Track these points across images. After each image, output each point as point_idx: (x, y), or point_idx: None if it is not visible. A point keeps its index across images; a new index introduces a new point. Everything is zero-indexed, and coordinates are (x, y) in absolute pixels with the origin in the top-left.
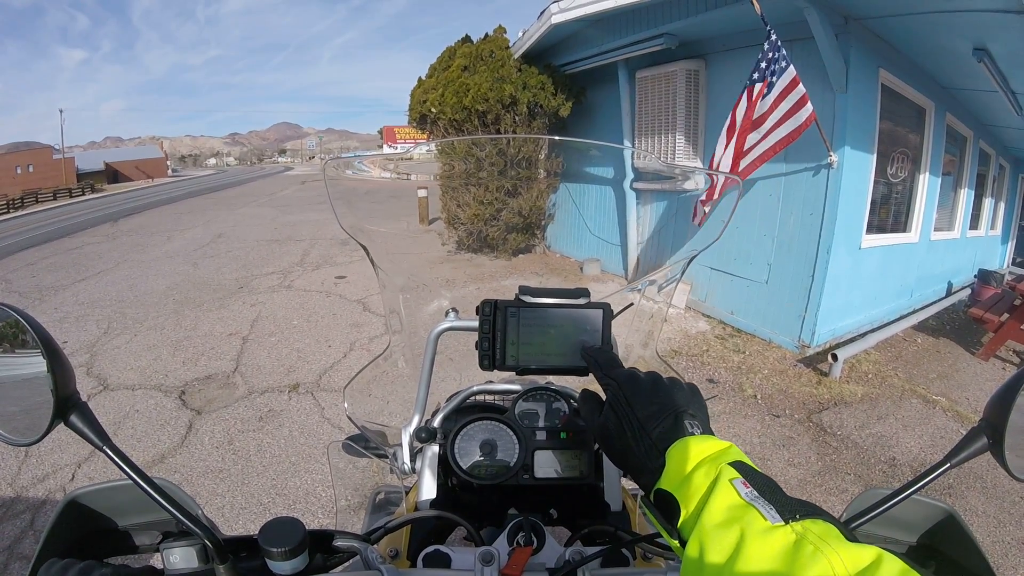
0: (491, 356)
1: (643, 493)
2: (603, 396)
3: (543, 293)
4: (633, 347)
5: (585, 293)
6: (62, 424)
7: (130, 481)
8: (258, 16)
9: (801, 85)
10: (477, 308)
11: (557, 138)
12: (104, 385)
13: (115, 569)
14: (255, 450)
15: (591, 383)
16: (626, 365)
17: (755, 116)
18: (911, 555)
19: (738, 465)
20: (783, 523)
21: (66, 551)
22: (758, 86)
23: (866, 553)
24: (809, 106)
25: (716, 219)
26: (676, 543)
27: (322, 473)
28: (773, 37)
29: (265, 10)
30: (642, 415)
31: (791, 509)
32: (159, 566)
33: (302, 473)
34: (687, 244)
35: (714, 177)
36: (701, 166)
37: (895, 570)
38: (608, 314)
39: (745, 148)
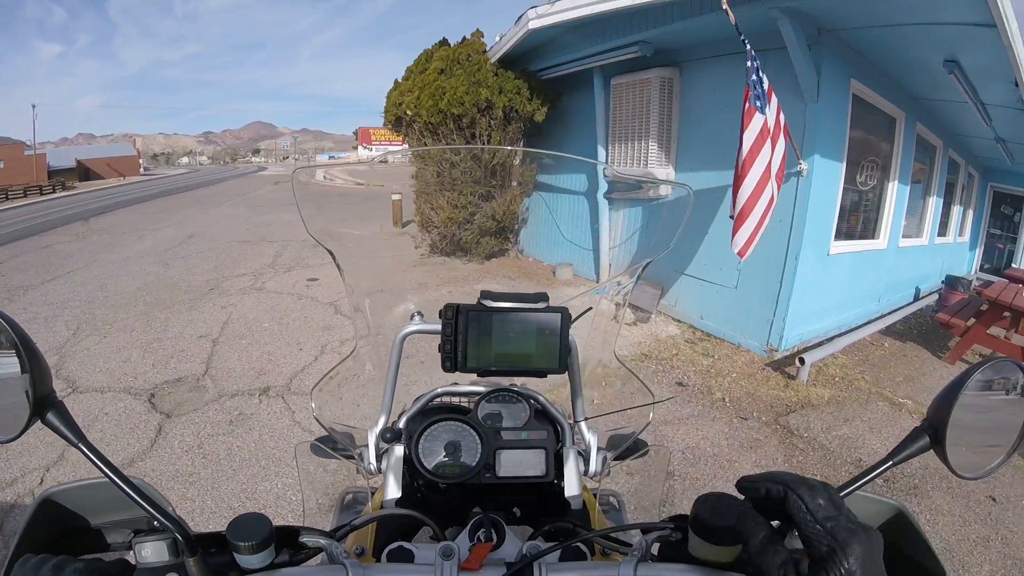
0: (453, 358)
1: None
2: (770, 522)
3: (504, 297)
4: (592, 349)
5: (544, 297)
6: (39, 422)
7: (103, 480)
8: (238, 13)
9: (775, 96)
10: (440, 312)
11: (531, 150)
12: (73, 387)
13: (88, 563)
14: (225, 454)
15: (554, 384)
16: (585, 367)
17: (761, 130)
18: None
19: None
20: None
21: (40, 548)
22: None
23: None
24: (782, 116)
25: (668, 228)
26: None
27: (292, 477)
28: (748, 47)
29: (246, 7)
30: None
31: None
32: (132, 562)
33: (272, 477)
34: (638, 252)
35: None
36: (673, 171)
37: None
38: (566, 318)
39: (770, 164)
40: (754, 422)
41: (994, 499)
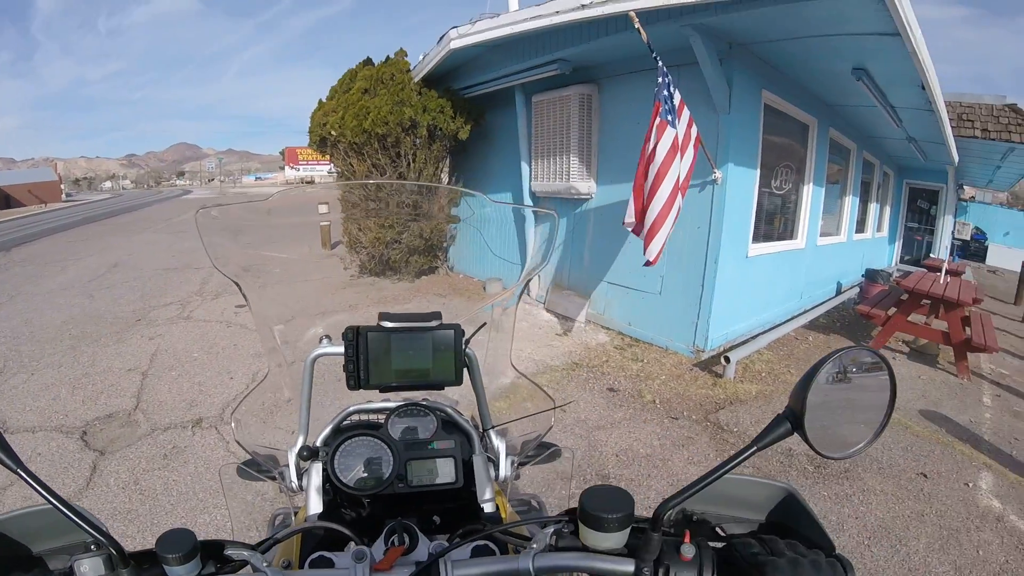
0: (356, 376)
1: None
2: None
3: (401, 318)
4: (493, 361)
5: (438, 316)
6: None
7: (44, 507)
8: (162, 29)
9: (687, 109)
10: (343, 334)
11: (458, 189)
12: (3, 427)
13: None
14: (162, 489)
15: (465, 396)
16: (485, 378)
17: (671, 144)
18: (760, 531)
19: None
20: None
21: None
22: (663, 116)
23: None
24: (695, 128)
25: (540, 247)
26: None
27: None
28: (659, 63)
29: (170, 23)
30: None
31: None
32: None
33: (211, 509)
34: (525, 267)
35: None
36: (595, 184)
37: None
38: (459, 334)
39: (677, 177)
40: (685, 421)
41: (925, 475)
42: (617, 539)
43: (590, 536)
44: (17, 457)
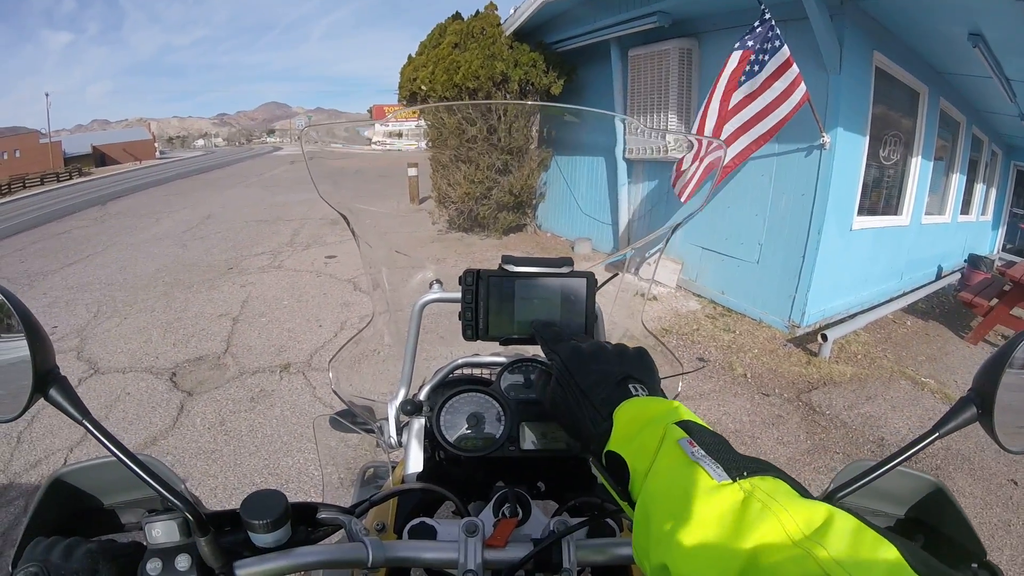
0: (474, 326)
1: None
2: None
3: (526, 262)
4: (618, 319)
5: (569, 262)
6: (41, 399)
7: (114, 459)
8: None
9: (795, 66)
10: (460, 278)
11: (544, 104)
12: (95, 369)
13: (100, 545)
14: (247, 430)
15: None
16: (612, 338)
17: (745, 93)
18: (898, 528)
19: (685, 424)
20: (730, 481)
21: (51, 530)
22: (743, 55)
23: (818, 510)
24: (803, 87)
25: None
26: (627, 505)
27: (314, 452)
28: (767, 16)
29: None
30: (584, 384)
31: (739, 467)
32: (144, 542)
33: (294, 453)
34: (677, 213)
35: (699, 142)
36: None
37: (848, 527)
38: (592, 283)
39: (737, 128)
40: (776, 398)
41: (1015, 483)
42: None
43: None
44: (83, 406)
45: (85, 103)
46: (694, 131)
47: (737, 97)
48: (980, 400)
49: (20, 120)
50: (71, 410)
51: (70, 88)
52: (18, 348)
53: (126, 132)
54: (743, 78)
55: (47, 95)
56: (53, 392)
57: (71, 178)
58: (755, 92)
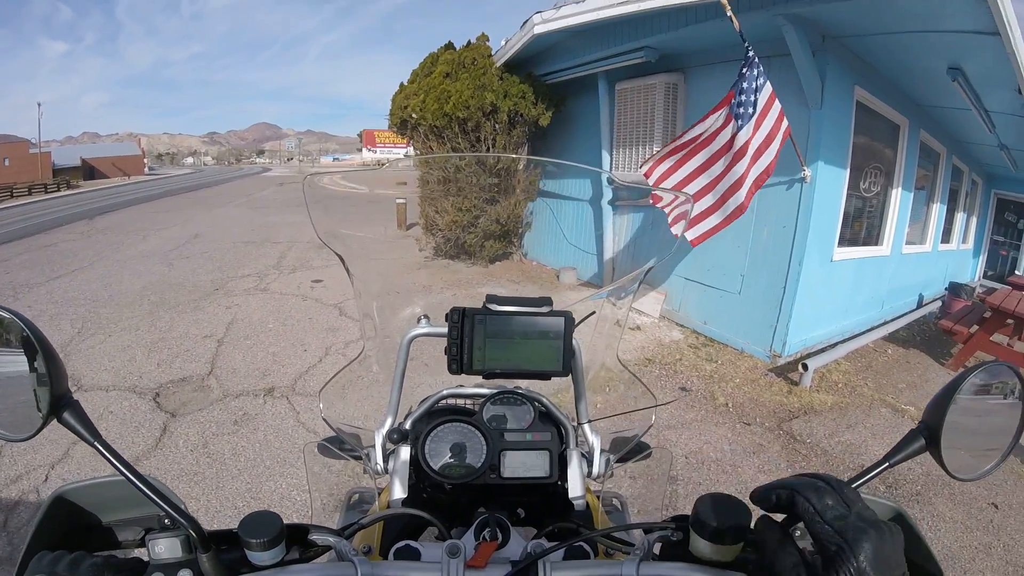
0: (459, 360)
1: None
2: (786, 530)
3: (508, 301)
4: (596, 353)
5: (548, 302)
6: (55, 421)
7: (116, 478)
8: (244, 13)
9: (777, 102)
10: (446, 315)
11: (536, 159)
12: (78, 385)
13: (104, 560)
14: (230, 453)
15: (558, 387)
16: (588, 370)
17: (739, 144)
18: None
19: None
20: None
21: (53, 545)
22: (727, 95)
23: None
24: (785, 122)
25: (669, 235)
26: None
27: (297, 477)
28: (751, 53)
29: (251, 7)
30: None
31: None
32: (144, 560)
33: (277, 477)
34: (641, 256)
35: (666, 196)
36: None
37: None
38: (570, 322)
39: (742, 174)
40: (757, 427)
41: (996, 506)
42: (731, 552)
43: (703, 547)
44: (95, 428)
45: (77, 114)
46: (657, 157)
47: (726, 136)
48: (928, 432)
49: (11, 129)
50: (84, 432)
51: (63, 98)
52: (36, 371)
53: (116, 146)
54: (738, 122)
55: (39, 105)
56: (67, 415)
57: (59, 190)
58: (749, 139)
